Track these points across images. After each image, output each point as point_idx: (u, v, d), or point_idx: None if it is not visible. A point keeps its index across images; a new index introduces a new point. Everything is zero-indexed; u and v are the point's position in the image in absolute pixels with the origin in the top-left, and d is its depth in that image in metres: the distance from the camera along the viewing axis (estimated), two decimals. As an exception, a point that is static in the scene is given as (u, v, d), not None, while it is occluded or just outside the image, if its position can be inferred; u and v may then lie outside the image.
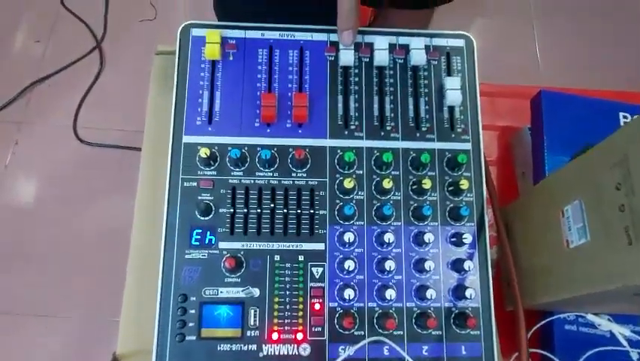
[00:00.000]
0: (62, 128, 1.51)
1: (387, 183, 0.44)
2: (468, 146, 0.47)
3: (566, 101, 0.68)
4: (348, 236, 0.43)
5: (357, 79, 0.48)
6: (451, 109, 0.48)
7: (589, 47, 1.60)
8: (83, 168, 1.47)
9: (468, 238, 0.43)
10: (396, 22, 0.83)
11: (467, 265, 0.43)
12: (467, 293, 0.42)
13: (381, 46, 0.48)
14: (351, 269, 0.42)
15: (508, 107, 0.77)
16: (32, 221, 1.41)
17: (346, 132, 0.47)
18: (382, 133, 0.47)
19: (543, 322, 0.54)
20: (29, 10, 1.67)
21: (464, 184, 0.44)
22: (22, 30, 1.64)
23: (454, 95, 0.47)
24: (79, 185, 1.44)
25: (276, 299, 0.43)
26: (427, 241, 0.43)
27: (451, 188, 0.46)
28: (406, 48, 0.49)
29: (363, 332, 0.43)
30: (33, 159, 1.48)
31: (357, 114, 0.47)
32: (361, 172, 0.46)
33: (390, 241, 0.43)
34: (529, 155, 0.68)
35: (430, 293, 0.42)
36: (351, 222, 0.45)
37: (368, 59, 0.49)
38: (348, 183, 0.44)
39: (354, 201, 0.45)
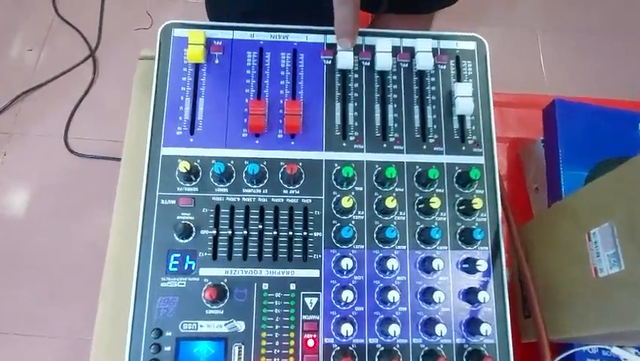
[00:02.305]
0: (53, 138, 1.46)
1: (390, 202, 0.39)
2: (480, 160, 0.42)
3: (582, 111, 0.63)
4: (346, 262, 0.38)
5: (356, 85, 0.43)
6: (462, 118, 0.43)
7: (594, 58, 1.56)
8: (74, 179, 1.42)
9: (482, 266, 0.38)
10: (395, 29, 0.79)
11: (482, 296, 0.38)
12: (482, 329, 0.37)
13: (383, 48, 0.43)
14: (349, 300, 0.37)
15: (518, 117, 0.72)
16: (20, 234, 1.36)
17: (344, 144, 0.42)
18: (385, 145, 0.42)
19: (562, 355, 0.49)
20: (23, 19, 1.63)
21: (477, 204, 0.39)
22: (15, 38, 1.60)
23: (464, 103, 0.42)
24: (69, 197, 1.39)
25: (264, 334, 0.38)
26: (436, 268, 0.38)
27: (462, 207, 0.41)
28: (411, 51, 0.44)
29: (364, 374, 0.38)
30: (22, 171, 1.43)
31: (356, 124, 0.42)
32: (361, 189, 0.41)
33: (394, 268, 0.38)
34: (543, 169, 0.63)
35: (439, 328, 0.37)
36: (350, 245, 0.40)
37: (369, 63, 0.44)
38: (347, 202, 0.38)
39: (353, 222, 0.40)
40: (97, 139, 1.45)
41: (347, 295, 0.37)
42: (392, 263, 0.38)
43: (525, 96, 0.76)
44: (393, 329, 0.36)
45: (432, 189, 0.41)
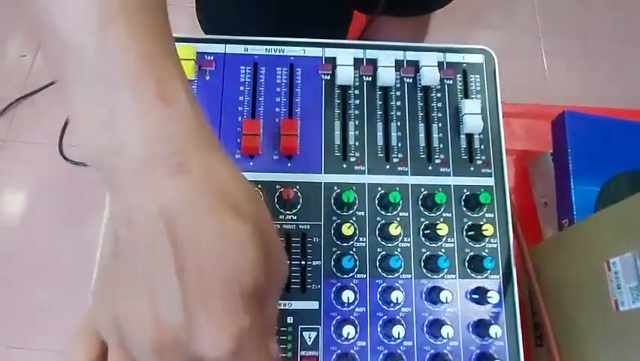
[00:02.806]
0: (47, 146, 1.44)
1: (394, 229, 0.36)
2: (490, 181, 0.40)
3: (592, 123, 0.61)
4: (348, 295, 0.35)
5: (357, 101, 0.41)
6: (470, 137, 0.41)
7: (599, 63, 1.54)
8: (69, 187, 1.39)
9: (494, 298, 0.35)
10: (392, 31, 0.75)
11: (494, 331, 0.35)
12: (494, 366, 0.34)
13: (386, 62, 0.40)
14: (351, 336, 0.34)
15: (525, 128, 0.69)
16: (15, 241, 1.34)
17: (345, 165, 0.39)
18: (388, 166, 0.39)
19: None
20: (17, 24, 1.60)
21: (488, 230, 0.37)
22: (8, 44, 1.57)
23: (472, 121, 0.40)
24: (64, 205, 1.37)
25: None
26: (444, 300, 0.35)
27: (471, 233, 0.38)
28: (415, 65, 0.42)
29: (366, 413, 0.35)
30: (17, 178, 1.41)
31: (357, 144, 0.40)
32: (363, 214, 0.38)
33: (399, 300, 0.35)
34: (552, 183, 0.60)
35: (448, 367, 0.34)
36: (351, 275, 0.37)
37: (370, 78, 0.41)
38: (348, 229, 0.36)
39: (354, 250, 0.37)
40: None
41: (348, 330, 0.34)
42: (397, 295, 0.35)
43: (532, 106, 0.73)
44: (399, 369, 0.34)
45: (438, 213, 0.38)
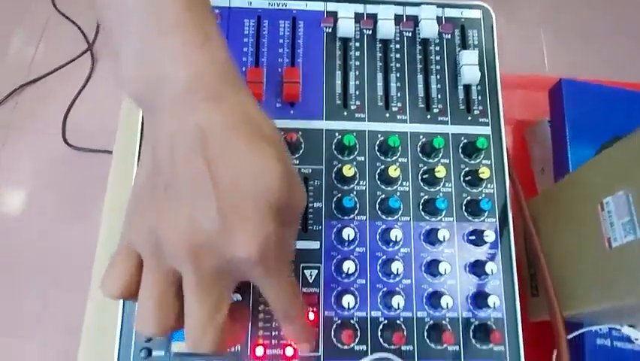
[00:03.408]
0: (51, 132, 1.45)
1: (393, 171, 0.37)
2: (487, 130, 0.41)
3: (589, 91, 0.62)
4: (348, 232, 0.36)
5: (358, 53, 0.42)
6: (467, 88, 0.42)
7: (599, 44, 1.55)
8: (71, 172, 1.40)
9: (490, 236, 0.37)
10: None
11: (490, 267, 0.36)
12: (489, 301, 0.35)
13: (386, 16, 0.42)
14: (351, 272, 0.36)
15: (523, 99, 0.70)
16: (19, 227, 1.34)
17: (345, 113, 0.40)
18: (387, 115, 0.40)
19: (571, 335, 0.47)
20: (21, 12, 1.62)
21: (485, 173, 0.38)
22: (12, 32, 1.58)
23: (470, 72, 0.41)
24: (67, 190, 1.38)
25: (261, 307, 0.36)
26: (442, 239, 0.36)
27: (468, 178, 0.39)
28: (414, 20, 0.43)
29: (365, 347, 0.36)
30: (20, 164, 1.42)
31: (358, 93, 0.41)
32: (363, 159, 0.39)
33: (398, 239, 0.36)
34: (549, 150, 0.61)
35: (445, 301, 0.35)
36: (352, 216, 0.38)
37: (371, 31, 0.42)
38: (348, 171, 0.37)
39: (354, 193, 0.38)
40: (94, 132, 1.43)
41: (348, 266, 0.35)
42: (395, 234, 0.36)
43: (530, 78, 0.74)
44: (397, 301, 0.35)
45: (436, 159, 0.40)
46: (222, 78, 0.26)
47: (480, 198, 0.38)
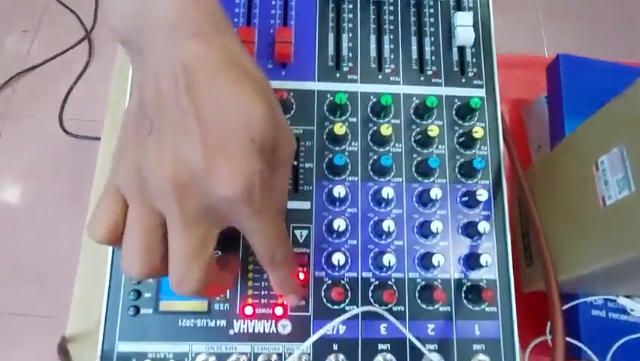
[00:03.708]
0: (48, 119, 1.45)
1: (385, 130, 0.37)
2: (481, 92, 0.40)
3: (587, 67, 0.61)
4: (339, 190, 0.36)
5: (351, 15, 0.41)
6: (462, 50, 0.41)
7: (599, 29, 1.54)
8: (69, 160, 1.40)
9: (483, 195, 0.36)
10: None
11: (482, 226, 0.35)
12: (482, 260, 0.35)
13: (379, -23, 0.41)
14: (341, 230, 0.35)
15: (520, 78, 0.70)
16: (15, 214, 1.34)
17: (338, 75, 0.40)
18: (380, 76, 0.40)
19: (565, 306, 0.47)
20: (18, 0, 1.61)
21: (478, 132, 0.37)
22: (10, 20, 1.58)
23: (464, 33, 0.40)
24: (63, 177, 1.37)
25: (251, 267, 0.36)
26: (434, 198, 0.36)
27: (462, 139, 0.39)
28: (408, -18, 0.42)
29: (355, 307, 0.36)
30: (17, 151, 1.42)
31: (350, 55, 0.40)
32: (355, 120, 0.39)
33: (390, 197, 0.36)
34: (546, 126, 0.61)
35: (437, 261, 0.35)
36: (343, 177, 0.38)
37: (364, -7, 0.42)
38: (339, 129, 0.36)
39: (346, 153, 0.38)
40: (92, 120, 1.43)
41: (339, 223, 0.35)
42: (387, 192, 0.35)
43: (528, 58, 0.74)
44: (388, 259, 0.34)
45: (430, 120, 0.39)
46: (210, 20, 0.26)
47: (473, 158, 0.38)
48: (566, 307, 0.47)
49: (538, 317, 0.44)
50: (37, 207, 1.36)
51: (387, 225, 0.35)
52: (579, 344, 0.45)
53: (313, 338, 0.31)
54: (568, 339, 0.45)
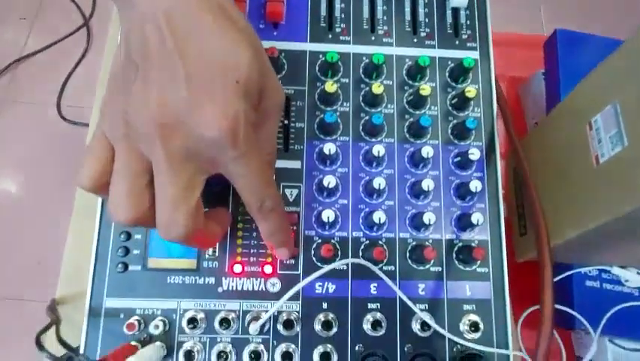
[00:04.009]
0: (46, 106, 1.44)
1: (377, 88, 0.36)
2: (475, 54, 0.40)
3: (584, 42, 0.61)
4: (329, 148, 0.35)
5: (344, -24, 0.41)
6: (456, 12, 0.41)
7: (598, 11, 1.53)
8: (66, 146, 1.39)
9: (475, 154, 0.36)
10: None
11: (474, 185, 0.35)
12: (473, 219, 0.35)
13: (373, -61, 0.41)
14: (331, 186, 0.35)
15: (518, 57, 0.69)
16: (13, 199, 1.34)
17: (330, 36, 0.39)
18: (373, 38, 0.40)
19: (559, 277, 0.46)
20: (17, -12, 1.60)
21: (471, 92, 0.37)
22: (7, 7, 1.57)
23: (458, -5, 0.40)
24: (61, 163, 1.37)
25: (240, 225, 0.35)
26: (426, 157, 0.35)
27: (454, 101, 0.38)
28: (402, -56, 0.42)
29: (345, 267, 0.35)
30: (15, 137, 1.41)
31: (343, 15, 0.40)
32: (347, 80, 0.38)
33: (381, 155, 0.35)
34: (542, 102, 0.60)
35: (427, 219, 0.34)
36: (334, 136, 0.37)
37: (358, -45, 0.41)
38: (331, 87, 0.36)
39: (338, 113, 0.38)
40: (90, 107, 1.42)
41: (329, 180, 0.34)
42: (378, 150, 0.35)
43: (526, 36, 0.73)
44: (378, 216, 0.34)
45: (422, 82, 0.39)
46: None
47: (466, 119, 0.37)
48: (560, 277, 0.46)
49: (531, 290, 0.43)
50: (35, 193, 1.35)
51: (378, 182, 0.35)
52: (573, 313, 0.45)
53: (294, 289, 0.31)
54: (561, 307, 0.45)
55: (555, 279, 0.46)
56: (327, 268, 0.32)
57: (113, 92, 0.27)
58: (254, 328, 0.32)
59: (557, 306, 0.45)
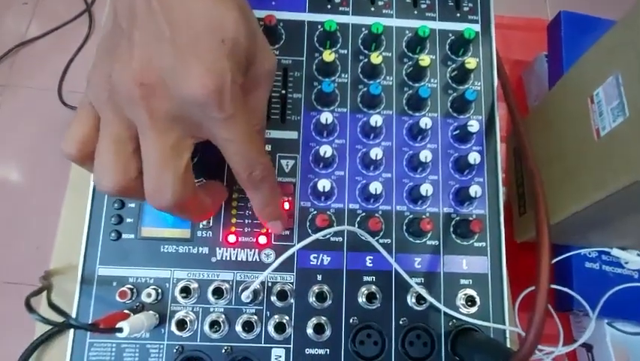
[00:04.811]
0: (47, 91, 1.44)
1: (375, 58, 0.35)
2: (476, 27, 0.39)
3: (589, 24, 0.60)
4: (326, 117, 0.35)
5: (344, -53, 0.40)
6: (457, -16, 0.40)
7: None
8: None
9: (474, 126, 0.35)
10: None
11: (473, 157, 0.35)
12: (471, 191, 0.34)
13: None
14: (328, 155, 0.34)
15: (520, 40, 0.68)
16: (13, 184, 1.34)
17: (329, 6, 0.39)
18: (373, 9, 0.39)
19: (559, 258, 0.46)
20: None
21: (471, 63, 0.36)
22: (10, -7, 1.57)
23: (460, -33, 0.39)
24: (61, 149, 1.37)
25: (235, 195, 0.35)
26: (425, 127, 0.35)
27: (454, 73, 0.38)
28: None
29: (340, 238, 0.35)
30: (16, 123, 1.41)
31: (343, -14, 0.39)
32: (345, 52, 0.38)
33: (378, 126, 0.35)
34: (545, 85, 0.60)
35: (425, 190, 0.34)
36: (332, 107, 0.37)
37: None
38: (329, 56, 0.35)
39: (335, 84, 0.37)
40: (91, 92, 1.42)
41: (325, 149, 0.34)
42: (376, 120, 0.34)
43: (529, 19, 0.72)
44: (375, 187, 0.34)
45: (422, 54, 0.38)
46: None
47: (466, 90, 0.37)
48: (558, 258, 0.46)
49: (530, 271, 0.43)
50: (35, 178, 1.35)
51: (375, 153, 0.34)
52: (572, 293, 0.44)
53: (281, 258, 0.30)
54: (560, 287, 0.44)
55: (554, 260, 0.46)
56: (321, 233, 0.31)
57: (99, 59, 0.26)
58: (245, 295, 0.32)
59: (556, 286, 0.45)
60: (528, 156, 0.35)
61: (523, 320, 0.43)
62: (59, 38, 1.51)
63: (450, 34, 0.39)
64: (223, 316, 0.33)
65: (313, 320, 0.33)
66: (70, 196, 0.43)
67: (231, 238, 0.34)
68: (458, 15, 0.39)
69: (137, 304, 0.33)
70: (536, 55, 0.63)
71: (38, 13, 1.55)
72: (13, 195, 1.33)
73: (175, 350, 0.32)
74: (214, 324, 0.33)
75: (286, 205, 0.35)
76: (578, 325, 0.49)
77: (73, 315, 0.32)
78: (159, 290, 0.33)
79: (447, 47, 0.38)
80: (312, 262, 0.34)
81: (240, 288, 0.33)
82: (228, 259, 0.34)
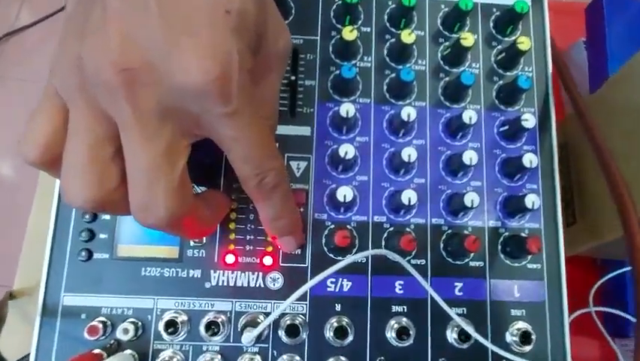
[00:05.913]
0: (36, 83, 1.37)
1: (407, 36, 0.29)
2: (528, 0, 0.32)
3: (631, 6, 0.54)
4: (346, 109, 0.28)
5: None
6: (502, -51, 0.33)
7: None
8: (57, 125, 1.33)
9: (530, 120, 0.28)
10: None
11: (528, 159, 0.28)
12: (527, 202, 0.27)
13: None
14: (348, 158, 0.27)
15: (552, 26, 0.62)
16: (5, 181, 1.29)
17: (349, -26, 0.32)
18: (401, -21, 0.32)
19: (610, 275, 0.40)
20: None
21: (524, 43, 0.29)
22: (-2, -20, 1.50)
23: None
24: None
25: (234, 205, 0.28)
26: (469, 122, 0.28)
27: (501, 56, 0.31)
28: None
29: (364, 259, 0.28)
30: (4, 115, 1.35)
31: (365, -49, 0.32)
32: (369, 30, 0.31)
33: (410, 120, 0.28)
34: (584, 73, 0.53)
35: (470, 200, 0.27)
36: (352, 97, 0.30)
37: None
38: (349, 34, 0.29)
39: (357, 69, 0.30)
40: (83, 84, 1.36)
41: (346, 150, 0.27)
42: (408, 112, 0.28)
43: (562, 3, 0.66)
44: (408, 196, 0.27)
45: (461, 31, 0.31)
46: None
47: (517, 76, 0.30)
48: (611, 275, 0.39)
49: (578, 289, 0.37)
50: (27, 171, 1.29)
51: (408, 153, 0.27)
52: (627, 317, 0.38)
53: (301, 290, 0.24)
54: (613, 311, 0.38)
55: (606, 277, 0.40)
56: (343, 262, 0.24)
57: (66, 36, 0.19)
58: (248, 338, 0.25)
59: (609, 310, 0.39)
60: (602, 149, 0.28)
61: (575, 345, 0.37)
62: (49, 28, 1.45)
63: (494, 10, 0.32)
64: (219, 356, 0.27)
65: (331, 361, 0.27)
66: (40, 203, 0.37)
67: (229, 259, 0.28)
68: (504, -14, 0.32)
69: (112, 341, 0.26)
70: (573, 42, 0.57)
71: (28, 0, 1.49)
72: (6, 188, 1.28)
73: (159, 400, 0.26)
74: (208, 367, 0.26)
75: (297, 218, 0.28)
76: (624, 348, 0.43)
77: (32, 356, 0.26)
78: (139, 324, 0.27)
79: (491, 24, 0.32)
80: (329, 288, 0.28)
81: (241, 324, 0.27)
82: (226, 284, 0.27)
